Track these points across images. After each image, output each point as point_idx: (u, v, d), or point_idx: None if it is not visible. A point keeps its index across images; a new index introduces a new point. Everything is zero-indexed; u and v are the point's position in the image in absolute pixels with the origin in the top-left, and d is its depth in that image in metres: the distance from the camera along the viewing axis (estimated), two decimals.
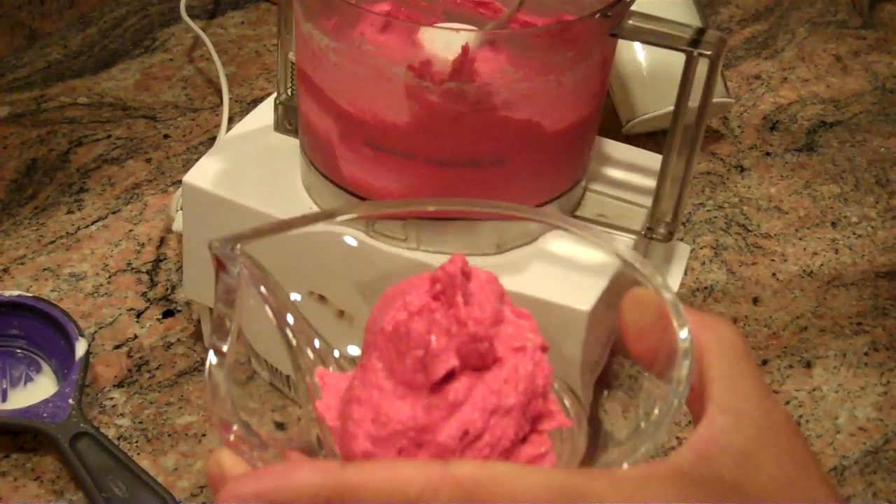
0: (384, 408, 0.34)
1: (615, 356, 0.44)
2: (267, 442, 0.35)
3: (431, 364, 0.34)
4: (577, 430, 0.39)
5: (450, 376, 0.34)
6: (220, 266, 0.37)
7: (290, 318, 0.40)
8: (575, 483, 0.29)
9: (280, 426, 0.41)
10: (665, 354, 0.35)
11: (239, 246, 0.37)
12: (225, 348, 0.35)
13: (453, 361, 0.34)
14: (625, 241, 0.55)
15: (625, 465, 0.31)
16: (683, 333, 0.34)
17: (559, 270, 0.53)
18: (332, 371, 0.40)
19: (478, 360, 0.35)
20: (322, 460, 0.34)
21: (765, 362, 0.68)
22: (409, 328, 0.35)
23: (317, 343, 0.41)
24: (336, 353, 0.41)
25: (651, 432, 0.33)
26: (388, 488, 0.29)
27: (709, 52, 0.48)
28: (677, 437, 0.61)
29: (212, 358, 0.35)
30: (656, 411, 0.35)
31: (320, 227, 0.40)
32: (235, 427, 0.33)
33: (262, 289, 0.39)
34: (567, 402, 0.39)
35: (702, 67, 0.49)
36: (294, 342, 0.40)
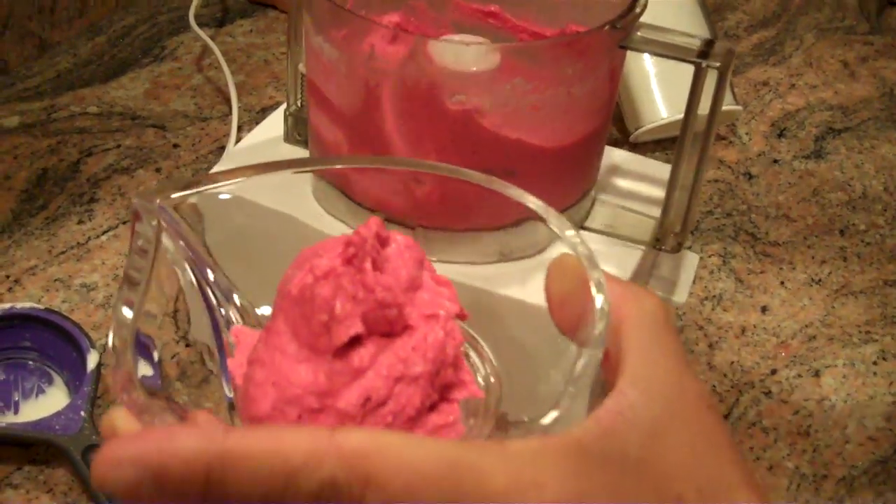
0: (285, 371, 0.33)
1: None
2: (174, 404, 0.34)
3: (335, 329, 0.33)
4: (493, 402, 0.38)
5: (355, 342, 0.34)
6: (136, 217, 0.36)
7: (210, 275, 0.39)
8: (465, 456, 0.28)
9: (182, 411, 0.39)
10: (584, 322, 0.34)
11: (158, 200, 0.36)
12: (134, 299, 0.33)
13: (357, 327, 0.33)
14: (644, 262, 0.55)
15: (523, 436, 0.30)
16: (599, 299, 0.33)
17: None
18: (247, 329, 0.39)
19: (386, 327, 0.34)
20: (206, 426, 0.32)
21: (773, 371, 0.68)
22: (313, 292, 0.34)
23: (237, 300, 0.39)
24: (259, 312, 0.40)
25: (554, 401, 0.31)
26: (270, 458, 0.28)
27: (717, 64, 0.48)
28: None
29: (121, 312, 0.33)
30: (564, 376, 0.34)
31: (253, 181, 0.39)
32: (136, 388, 0.32)
33: (181, 243, 0.37)
34: (486, 372, 0.38)
35: (710, 79, 0.49)
36: (213, 299, 0.39)
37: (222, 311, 0.39)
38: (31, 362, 0.62)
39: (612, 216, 0.57)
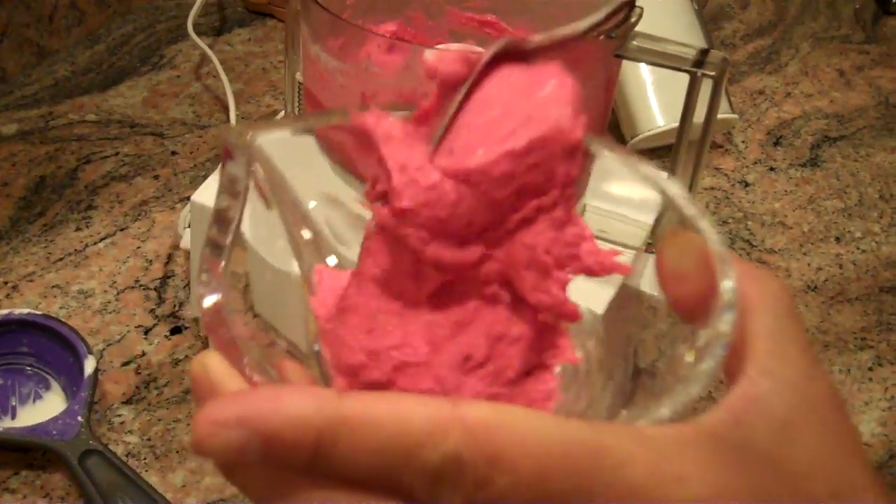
0: (381, 319, 0.31)
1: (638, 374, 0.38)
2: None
3: (422, 276, 0.31)
4: (595, 370, 0.35)
5: (452, 291, 0.31)
6: (227, 155, 0.33)
7: (300, 226, 0.36)
8: (601, 440, 0.25)
9: (269, 345, 0.36)
10: (705, 304, 0.30)
11: (251, 135, 0.33)
12: (224, 242, 0.31)
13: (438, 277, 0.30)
14: (636, 267, 0.55)
15: (651, 422, 0.27)
16: (728, 283, 0.30)
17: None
18: (330, 268, 0.36)
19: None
20: (317, 387, 0.30)
21: None
22: (395, 232, 0.30)
23: (325, 243, 0.36)
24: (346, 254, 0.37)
25: (681, 388, 0.28)
26: (390, 427, 0.25)
27: (713, 73, 0.49)
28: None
29: (207, 252, 0.31)
30: (686, 360, 0.30)
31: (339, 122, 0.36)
32: (228, 324, 0.29)
33: (269, 186, 0.34)
34: (585, 337, 0.35)
35: (706, 87, 0.50)
36: (301, 240, 0.36)
37: (304, 249, 0.36)
38: (28, 368, 0.62)
39: (604, 223, 0.57)
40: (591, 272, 0.31)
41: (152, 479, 0.58)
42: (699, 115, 0.51)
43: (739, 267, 0.31)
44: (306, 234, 0.36)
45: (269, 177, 0.34)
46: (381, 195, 0.31)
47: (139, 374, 0.64)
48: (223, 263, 0.31)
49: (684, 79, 0.50)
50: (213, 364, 0.28)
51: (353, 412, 0.25)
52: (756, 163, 0.88)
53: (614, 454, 0.25)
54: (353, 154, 0.34)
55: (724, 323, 0.29)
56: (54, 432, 0.57)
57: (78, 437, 0.57)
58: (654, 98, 0.82)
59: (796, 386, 0.29)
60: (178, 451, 0.60)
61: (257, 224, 0.34)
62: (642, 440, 0.26)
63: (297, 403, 0.25)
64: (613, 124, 0.86)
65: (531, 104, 0.31)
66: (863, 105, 0.96)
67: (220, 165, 0.33)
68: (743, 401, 0.28)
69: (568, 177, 0.30)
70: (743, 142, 0.90)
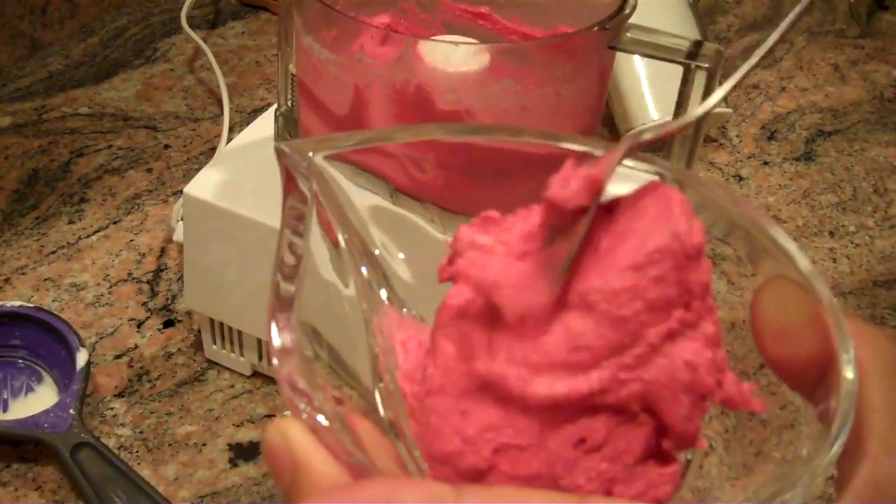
0: (471, 399, 0.27)
1: None
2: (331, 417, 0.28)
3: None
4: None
5: None
6: (290, 180, 0.30)
7: (363, 244, 0.33)
8: None
9: (338, 402, 0.32)
10: (817, 371, 0.28)
11: (311, 154, 0.30)
12: (295, 289, 0.28)
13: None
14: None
15: None
16: (847, 356, 0.27)
17: None
18: (398, 313, 0.33)
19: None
20: (431, 481, 0.27)
21: (762, 366, 0.68)
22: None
23: (387, 288, 0.34)
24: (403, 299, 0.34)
25: (795, 481, 0.26)
26: None
27: (706, 65, 0.49)
28: None
29: (282, 289, 0.28)
30: (793, 448, 0.28)
31: (406, 135, 0.34)
32: (301, 378, 0.26)
33: (332, 207, 0.31)
34: None
35: (700, 79, 0.50)
36: (366, 276, 0.33)
37: (372, 284, 0.33)
38: (20, 360, 0.62)
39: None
40: (729, 404, 0.28)
41: (144, 472, 0.57)
42: (693, 108, 0.51)
43: (850, 326, 0.28)
44: (364, 270, 0.33)
45: (330, 204, 0.31)
46: (454, 275, 0.29)
47: (132, 367, 0.64)
48: (294, 316, 0.28)
49: (679, 73, 0.50)
50: (295, 435, 0.26)
51: None
52: (750, 157, 0.88)
53: None
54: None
55: (844, 406, 0.27)
56: (46, 425, 0.57)
57: (70, 429, 0.57)
58: (649, 92, 0.82)
59: None
60: (170, 445, 0.60)
61: (323, 262, 0.32)
62: None
63: (413, 500, 0.23)
64: (608, 118, 0.86)
65: (643, 224, 0.28)
66: (857, 99, 0.96)
67: (282, 197, 0.30)
68: (869, 484, 0.26)
69: (702, 285, 0.28)
70: (737, 136, 0.90)
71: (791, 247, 0.30)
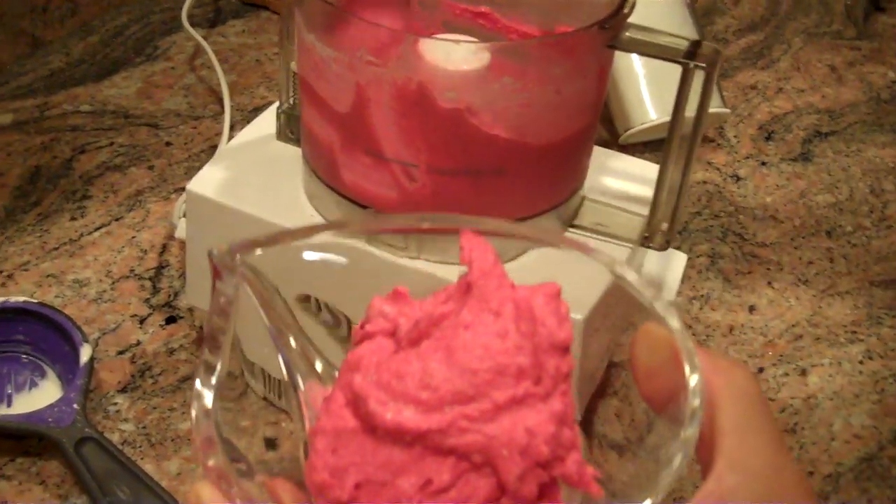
0: (344, 438, 0.32)
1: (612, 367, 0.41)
2: (254, 467, 0.34)
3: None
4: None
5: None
6: (216, 275, 0.35)
7: (289, 336, 0.38)
8: None
9: (271, 444, 0.39)
10: (676, 399, 0.32)
11: (239, 256, 0.35)
12: (217, 365, 0.33)
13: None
14: (632, 260, 0.56)
15: None
16: (693, 380, 0.31)
17: (558, 276, 0.54)
18: (322, 388, 0.38)
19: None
20: None
21: (760, 370, 0.69)
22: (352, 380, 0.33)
23: (318, 365, 0.39)
24: (335, 374, 0.39)
25: (651, 488, 0.30)
26: None
27: (704, 65, 0.49)
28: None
29: (201, 374, 0.33)
30: (660, 452, 0.32)
31: (323, 237, 0.38)
32: (218, 453, 0.32)
33: (260, 301, 0.36)
34: None
35: (698, 79, 0.50)
36: (290, 358, 0.38)
37: (297, 369, 0.38)
38: (24, 356, 0.62)
39: (600, 214, 0.58)
40: (568, 481, 0.32)
41: (147, 466, 0.58)
42: (691, 108, 0.51)
43: (707, 359, 0.32)
44: (293, 343, 0.38)
45: (257, 291, 0.36)
46: (366, 335, 0.34)
47: (134, 362, 0.64)
48: (216, 383, 0.33)
49: (677, 73, 0.50)
50: (206, 494, 0.30)
51: None
52: (748, 157, 0.88)
53: None
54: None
55: (690, 427, 0.31)
56: (50, 420, 0.57)
57: (74, 424, 0.57)
58: (647, 92, 0.83)
59: (763, 477, 0.31)
60: (173, 440, 0.60)
61: (251, 340, 0.36)
62: None
63: None
64: (606, 118, 0.86)
65: (524, 301, 0.33)
66: (854, 100, 0.97)
67: (211, 284, 0.35)
68: (712, 496, 0.30)
69: (559, 371, 0.32)
70: (735, 136, 0.90)
71: (646, 294, 0.34)
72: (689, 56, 0.49)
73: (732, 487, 0.30)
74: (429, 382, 0.31)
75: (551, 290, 0.34)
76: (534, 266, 0.54)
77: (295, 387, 0.38)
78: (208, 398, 0.32)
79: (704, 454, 0.32)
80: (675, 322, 0.33)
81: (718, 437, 0.31)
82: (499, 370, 0.31)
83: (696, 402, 0.31)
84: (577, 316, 0.51)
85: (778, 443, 0.32)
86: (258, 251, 0.36)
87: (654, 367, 0.34)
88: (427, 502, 0.31)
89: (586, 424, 0.37)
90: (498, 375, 0.31)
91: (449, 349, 0.31)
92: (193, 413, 0.32)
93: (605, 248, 0.56)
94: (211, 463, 0.31)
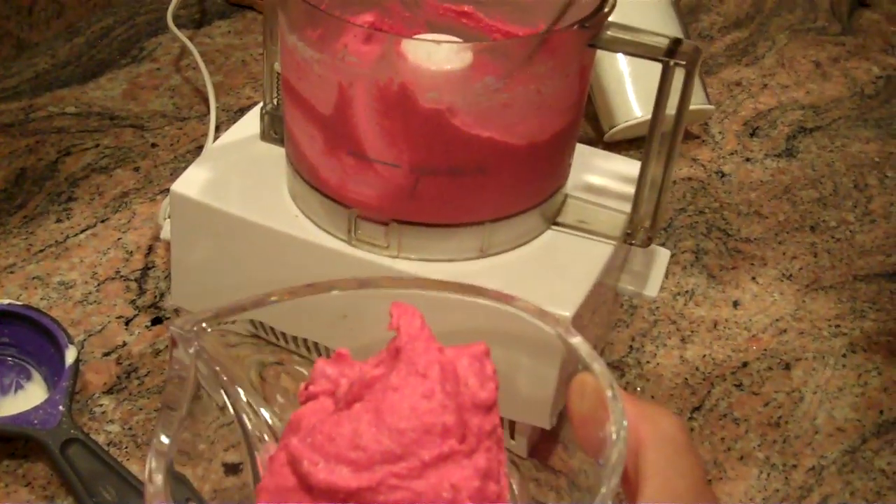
0: (283, 496, 0.34)
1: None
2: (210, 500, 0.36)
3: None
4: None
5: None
6: (173, 344, 0.37)
7: (243, 396, 0.40)
8: None
9: (232, 469, 0.40)
10: (605, 443, 0.34)
11: (195, 329, 0.37)
12: (167, 441, 0.35)
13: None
14: (615, 258, 0.56)
15: None
16: (614, 428, 0.34)
17: (543, 274, 0.54)
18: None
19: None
20: None
21: (744, 364, 0.69)
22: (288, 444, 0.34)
23: (269, 419, 0.41)
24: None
25: None
26: None
27: (684, 62, 0.49)
28: None
29: (160, 439, 0.34)
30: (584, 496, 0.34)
31: (282, 305, 0.40)
32: None
33: (216, 367, 0.38)
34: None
35: (678, 77, 0.50)
36: (247, 421, 0.40)
37: (256, 432, 0.40)
38: (9, 358, 0.62)
39: (583, 212, 0.58)
40: None
41: (134, 467, 0.58)
42: (672, 105, 0.52)
43: (635, 408, 0.34)
44: (249, 422, 0.40)
45: (213, 367, 0.38)
46: (310, 396, 0.36)
47: (120, 364, 0.65)
48: (171, 451, 0.34)
49: (659, 70, 0.51)
50: None
51: None
52: (732, 153, 0.89)
53: None
54: None
55: (610, 475, 0.32)
56: (36, 422, 0.57)
57: (59, 426, 0.57)
58: (632, 89, 0.83)
59: None
60: None
61: (207, 413, 0.38)
62: None
63: None
64: (591, 115, 0.87)
65: (451, 363, 0.35)
66: (838, 96, 0.97)
67: (169, 352, 0.37)
68: None
69: (481, 429, 0.34)
70: (720, 133, 0.91)
71: (577, 342, 0.37)
72: (669, 54, 0.49)
73: None
74: (359, 443, 0.33)
75: (478, 350, 0.36)
76: (523, 257, 0.55)
77: (252, 454, 0.40)
78: (160, 473, 0.34)
79: (630, 498, 0.33)
80: (600, 368, 0.36)
81: (642, 482, 0.33)
82: (425, 429, 0.33)
83: (615, 454, 0.33)
84: (566, 312, 0.51)
85: (701, 486, 0.33)
86: (214, 322, 0.38)
87: (587, 414, 0.35)
88: None
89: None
90: (424, 434, 0.33)
91: (378, 410, 0.33)
92: (148, 472, 0.34)
93: (589, 245, 0.56)
94: None
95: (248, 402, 0.40)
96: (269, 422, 0.41)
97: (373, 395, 0.34)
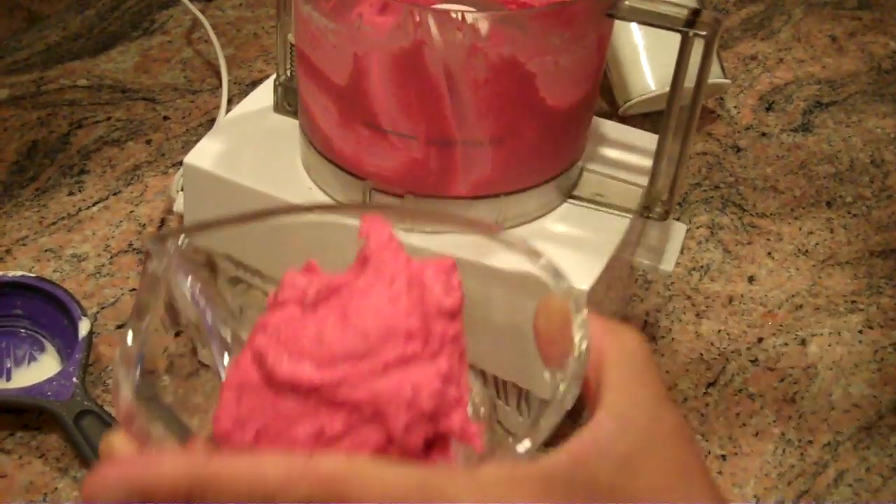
0: (247, 389, 0.34)
1: None
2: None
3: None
4: (484, 416, 0.39)
5: None
6: (147, 257, 0.38)
7: (212, 314, 0.40)
8: (435, 481, 0.30)
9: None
10: (568, 358, 0.35)
11: (169, 242, 0.38)
12: (140, 328, 0.36)
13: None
14: (631, 231, 0.56)
15: (509, 456, 0.31)
16: (578, 335, 0.35)
17: (559, 248, 0.54)
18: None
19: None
20: (191, 451, 0.35)
21: (760, 340, 0.68)
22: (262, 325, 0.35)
23: (241, 337, 0.41)
24: None
25: (529, 429, 0.33)
26: (248, 480, 0.30)
27: (704, 33, 0.49)
28: None
29: (127, 340, 0.35)
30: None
31: (274, 221, 0.40)
32: (136, 420, 0.34)
33: (189, 281, 0.39)
34: (479, 388, 0.39)
35: (697, 48, 0.50)
36: (223, 335, 0.40)
37: (225, 352, 0.41)
38: (22, 330, 0.62)
39: (600, 185, 0.57)
40: (453, 435, 0.34)
41: None
42: (690, 77, 0.51)
43: (600, 324, 0.35)
44: (226, 332, 0.40)
45: (187, 271, 0.39)
46: (277, 304, 0.36)
47: None
48: (137, 353, 0.35)
49: (677, 43, 0.50)
50: (117, 442, 0.33)
51: (219, 469, 0.30)
52: (748, 128, 0.88)
53: (445, 491, 0.30)
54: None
55: (569, 369, 0.34)
56: (49, 393, 0.57)
57: (73, 398, 0.57)
58: (647, 63, 0.82)
59: (641, 425, 0.33)
60: None
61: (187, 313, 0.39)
62: (473, 479, 0.30)
63: (170, 465, 0.30)
64: (606, 89, 0.86)
65: (416, 272, 0.36)
66: (855, 71, 0.96)
67: (143, 265, 0.37)
68: (586, 442, 0.32)
69: (444, 335, 0.34)
70: (735, 107, 0.90)
71: (542, 264, 0.37)
72: (688, 24, 0.49)
73: (609, 433, 0.32)
74: (323, 341, 0.34)
75: (445, 263, 0.37)
76: (538, 232, 0.54)
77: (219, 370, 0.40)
78: (131, 363, 0.35)
79: (590, 411, 0.34)
80: (565, 284, 0.36)
81: (604, 393, 0.34)
82: (389, 331, 0.34)
83: (577, 363, 0.34)
84: (583, 286, 0.51)
85: (660, 397, 0.34)
86: (186, 237, 0.38)
87: (553, 334, 0.36)
88: (320, 449, 0.33)
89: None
90: (388, 336, 0.33)
91: (344, 313, 0.34)
92: (116, 381, 0.35)
93: (605, 219, 0.56)
94: (133, 429, 0.34)
95: (220, 318, 0.40)
96: (242, 338, 0.41)
97: (339, 300, 0.35)
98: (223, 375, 0.40)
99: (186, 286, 0.39)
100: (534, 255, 0.37)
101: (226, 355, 0.40)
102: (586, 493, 0.31)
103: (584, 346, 0.34)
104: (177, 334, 0.40)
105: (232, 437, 0.34)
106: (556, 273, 0.37)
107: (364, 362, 0.33)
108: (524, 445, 0.32)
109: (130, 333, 0.36)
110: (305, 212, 0.42)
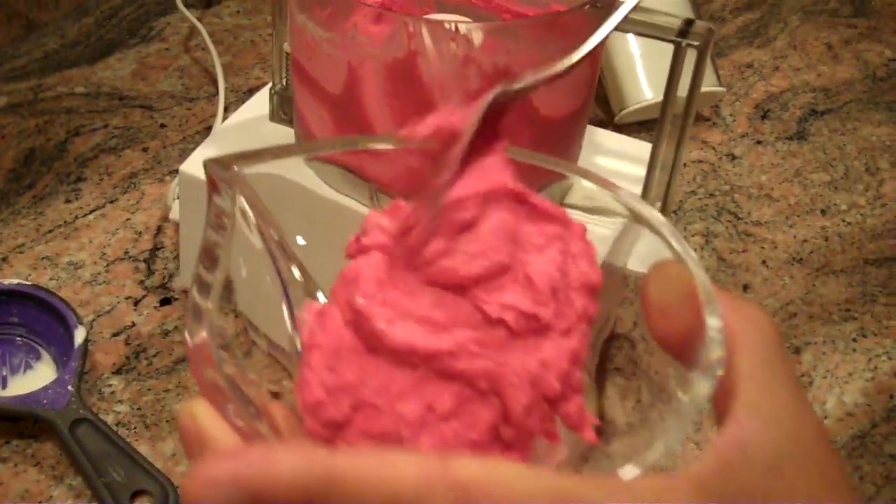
0: (343, 356, 0.30)
1: (615, 339, 0.39)
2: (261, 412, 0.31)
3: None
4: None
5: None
6: (213, 188, 0.33)
7: (284, 256, 0.36)
8: (582, 490, 0.26)
9: (275, 395, 0.36)
10: (691, 340, 0.30)
11: (236, 167, 0.33)
12: (212, 278, 0.31)
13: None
14: (623, 240, 0.56)
15: (634, 472, 0.28)
16: (714, 322, 0.29)
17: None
18: (319, 305, 0.34)
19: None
20: (308, 444, 0.30)
21: None
22: (352, 278, 0.30)
23: (304, 274, 0.36)
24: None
25: (664, 430, 0.29)
26: (380, 484, 0.26)
27: (697, 43, 0.49)
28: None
29: (196, 289, 0.31)
30: (673, 401, 0.30)
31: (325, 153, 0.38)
32: (215, 366, 0.29)
33: (257, 218, 0.34)
34: None
35: (690, 57, 0.50)
36: (286, 274, 0.35)
37: (291, 287, 0.36)
38: (18, 338, 0.62)
39: (593, 193, 0.57)
40: (567, 422, 0.30)
41: (142, 448, 0.58)
42: (684, 86, 0.51)
43: (725, 301, 0.30)
44: (296, 272, 0.35)
45: (256, 211, 0.34)
46: (362, 249, 0.32)
47: (129, 344, 0.65)
48: (211, 302, 0.31)
49: (671, 52, 0.50)
50: (202, 414, 0.29)
51: (344, 471, 0.26)
52: (743, 136, 0.88)
53: None
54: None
55: (711, 365, 0.29)
56: (45, 401, 0.57)
57: (68, 406, 0.57)
58: (643, 71, 0.83)
59: (784, 425, 0.29)
60: (167, 421, 0.60)
61: (246, 260, 0.34)
62: (628, 493, 0.27)
63: (289, 463, 0.26)
64: (602, 98, 0.86)
65: (559, 247, 0.32)
66: (850, 79, 0.97)
67: (207, 198, 0.33)
68: (730, 444, 0.29)
69: (584, 311, 0.31)
70: (730, 115, 0.90)
71: (664, 226, 0.33)
72: (681, 35, 0.49)
73: (752, 435, 0.29)
74: (439, 301, 0.29)
75: (580, 229, 0.33)
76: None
77: (291, 311, 0.35)
78: (206, 311, 0.30)
79: (720, 403, 0.30)
80: (694, 257, 0.32)
81: (737, 383, 0.30)
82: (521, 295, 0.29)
83: (717, 338, 0.29)
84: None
85: (798, 390, 0.30)
86: (262, 166, 0.34)
87: (669, 307, 0.31)
88: (426, 431, 0.29)
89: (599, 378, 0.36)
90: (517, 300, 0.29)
91: (463, 282, 0.29)
92: (188, 328, 0.30)
93: (596, 229, 0.56)
94: (207, 376, 0.29)
95: (288, 256, 0.35)
96: (310, 282, 0.36)
97: (453, 246, 0.30)
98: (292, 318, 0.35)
99: (249, 221, 0.34)
100: (639, 202, 0.34)
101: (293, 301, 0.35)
102: (737, 502, 0.28)
103: (722, 334, 0.29)
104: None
105: (324, 409, 0.29)
106: (677, 236, 0.33)
107: (484, 329, 0.29)
108: (657, 451, 0.28)
109: (200, 282, 0.31)
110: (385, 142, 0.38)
